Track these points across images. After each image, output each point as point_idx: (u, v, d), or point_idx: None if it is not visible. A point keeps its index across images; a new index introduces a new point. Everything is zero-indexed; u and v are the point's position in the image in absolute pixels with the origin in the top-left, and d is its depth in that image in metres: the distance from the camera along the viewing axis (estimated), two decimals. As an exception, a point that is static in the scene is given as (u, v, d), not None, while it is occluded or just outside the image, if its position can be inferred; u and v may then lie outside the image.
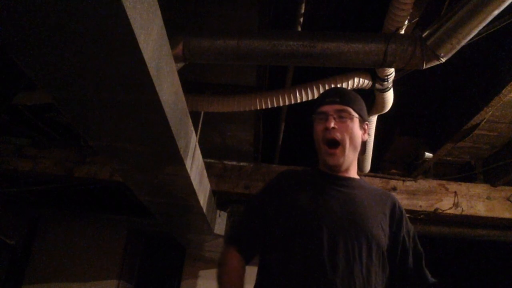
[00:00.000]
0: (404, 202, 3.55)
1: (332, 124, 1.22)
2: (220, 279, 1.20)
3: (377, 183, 3.64)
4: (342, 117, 1.24)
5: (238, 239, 1.26)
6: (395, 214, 1.25)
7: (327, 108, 1.26)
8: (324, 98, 1.29)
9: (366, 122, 1.32)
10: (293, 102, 2.48)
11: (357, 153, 1.28)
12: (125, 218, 5.10)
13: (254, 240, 1.25)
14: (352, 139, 1.24)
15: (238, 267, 1.20)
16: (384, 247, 1.17)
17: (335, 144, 1.23)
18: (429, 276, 1.24)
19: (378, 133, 2.96)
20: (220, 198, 3.82)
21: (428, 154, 3.19)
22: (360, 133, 1.27)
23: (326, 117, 1.24)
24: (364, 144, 1.32)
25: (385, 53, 1.89)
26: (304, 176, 1.32)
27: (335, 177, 1.26)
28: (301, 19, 2.13)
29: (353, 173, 1.30)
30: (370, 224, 1.16)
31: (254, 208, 1.31)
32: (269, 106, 2.54)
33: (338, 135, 1.22)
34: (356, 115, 1.26)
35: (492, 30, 1.92)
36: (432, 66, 1.91)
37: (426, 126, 3.26)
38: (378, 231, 1.17)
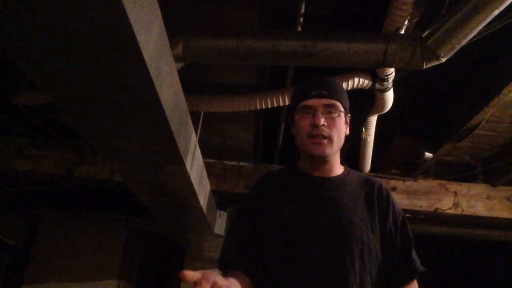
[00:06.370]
0: (404, 202, 3.55)
1: (322, 121, 1.16)
2: None
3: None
4: (330, 112, 1.18)
5: (235, 263, 1.14)
6: (382, 205, 1.20)
7: (315, 102, 1.18)
8: (310, 90, 1.21)
9: (349, 115, 1.26)
10: (293, 102, 2.48)
11: (340, 147, 1.23)
12: (125, 218, 5.10)
13: (252, 263, 1.14)
14: (339, 135, 1.19)
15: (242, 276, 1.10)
16: (377, 247, 1.14)
17: (323, 137, 1.18)
18: (418, 265, 1.17)
19: (378, 133, 2.95)
20: (220, 198, 3.82)
21: (428, 154, 3.19)
22: (344, 128, 1.23)
23: (313, 112, 1.18)
24: (346, 138, 1.25)
25: (385, 53, 1.89)
26: (284, 181, 1.25)
27: (318, 180, 1.21)
28: (301, 19, 2.13)
29: (336, 168, 1.24)
30: (359, 230, 1.12)
31: (245, 225, 1.21)
32: (269, 106, 2.54)
33: (326, 132, 1.17)
34: (343, 110, 1.21)
35: (492, 30, 1.92)
36: (432, 66, 1.91)
37: (426, 126, 3.26)
38: (369, 233, 1.13)
